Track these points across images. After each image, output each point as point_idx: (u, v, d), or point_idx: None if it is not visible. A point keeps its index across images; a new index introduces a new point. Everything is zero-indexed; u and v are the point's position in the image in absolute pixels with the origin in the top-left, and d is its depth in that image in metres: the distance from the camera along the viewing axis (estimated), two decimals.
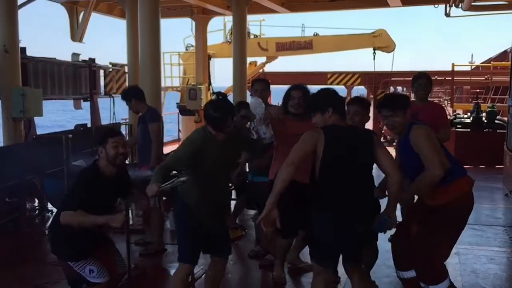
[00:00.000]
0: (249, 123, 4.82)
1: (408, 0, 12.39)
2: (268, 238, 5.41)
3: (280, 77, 17.25)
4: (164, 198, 5.99)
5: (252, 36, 16.35)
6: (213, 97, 4.02)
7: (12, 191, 7.11)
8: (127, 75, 11.80)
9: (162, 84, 11.21)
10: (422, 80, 5.39)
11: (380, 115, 4.02)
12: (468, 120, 12.84)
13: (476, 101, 13.82)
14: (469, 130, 12.32)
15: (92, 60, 10.95)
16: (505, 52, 20.57)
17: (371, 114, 4.69)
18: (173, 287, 4.09)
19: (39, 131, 9.88)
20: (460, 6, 11.20)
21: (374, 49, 16.15)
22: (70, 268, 3.77)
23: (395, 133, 3.99)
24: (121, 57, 17.29)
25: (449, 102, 17.96)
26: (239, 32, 11.69)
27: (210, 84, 14.91)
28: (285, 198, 3.45)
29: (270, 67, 18.10)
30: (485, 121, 12.45)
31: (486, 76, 17.60)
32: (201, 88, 13.83)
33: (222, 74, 16.88)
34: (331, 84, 17.29)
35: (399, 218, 3.99)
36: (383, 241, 4.62)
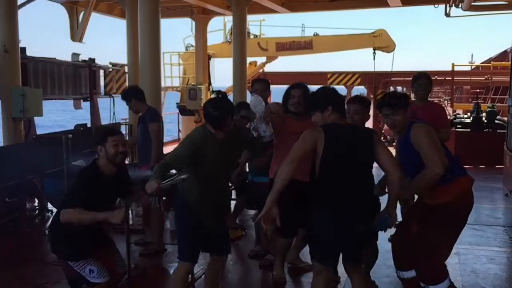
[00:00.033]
0: (249, 123, 4.82)
1: (408, 0, 12.40)
2: (268, 237, 5.42)
3: (280, 77, 17.24)
4: (164, 198, 5.99)
5: (252, 36, 16.35)
6: (213, 95, 4.01)
7: (12, 191, 7.11)
8: (127, 75, 11.80)
9: (162, 84, 11.22)
10: (422, 80, 5.39)
11: (380, 115, 4.03)
12: (468, 120, 12.84)
13: (476, 101, 13.82)
14: (469, 130, 12.32)
15: (92, 60, 10.96)
16: (505, 52, 20.57)
17: (371, 113, 4.69)
18: (173, 286, 4.09)
19: (39, 131, 9.88)
20: (460, 6, 11.20)
21: (374, 49, 16.16)
22: (70, 268, 3.77)
23: (396, 131, 3.99)
24: (121, 57, 17.31)
25: (449, 102, 17.96)
26: (239, 32, 11.70)
27: (210, 84, 14.92)
28: (285, 196, 3.44)
29: (270, 67, 18.12)
30: (485, 121, 12.45)
31: (486, 76, 17.60)
32: (201, 88, 13.83)
33: (222, 74, 16.88)
34: (331, 84, 17.29)
35: (399, 218, 3.99)
36: (383, 241, 4.63)
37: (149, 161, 5.45)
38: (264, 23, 16.60)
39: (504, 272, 5.36)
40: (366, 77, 17.78)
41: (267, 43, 16.82)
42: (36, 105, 8.16)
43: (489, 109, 12.69)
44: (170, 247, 5.81)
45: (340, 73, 18.35)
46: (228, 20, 15.20)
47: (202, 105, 3.96)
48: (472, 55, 23.82)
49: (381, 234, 4.38)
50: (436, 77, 14.70)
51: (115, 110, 10.53)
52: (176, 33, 18.51)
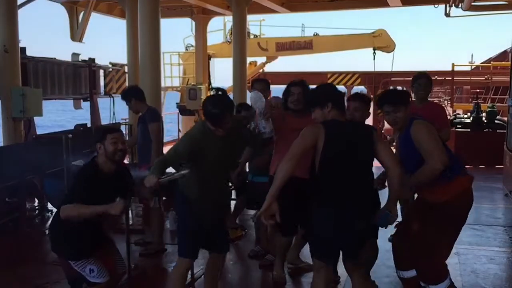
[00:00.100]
0: (249, 124, 4.82)
1: (408, 0, 12.40)
2: (268, 235, 5.43)
3: (280, 77, 17.25)
4: (164, 198, 5.99)
5: (252, 36, 16.36)
6: (212, 92, 4.00)
7: (12, 191, 7.11)
8: (127, 75, 11.80)
9: (162, 84, 11.22)
10: (422, 80, 5.40)
11: (380, 115, 4.04)
12: (468, 120, 12.84)
13: (476, 101, 13.82)
14: (469, 130, 12.32)
15: (92, 60, 10.95)
16: (505, 52, 20.57)
17: (370, 111, 4.69)
18: (172, 283, 4.09)
19: (39, 131, 9.87)
20: (460, 6, 11.20)
21: (374, 49, 16.18)
22: (70, 268, 3.77)
23: (397, 128, 3.99)
24: (121, 57, 17.31)
25: (449, 102, 17.97)
26: (239, 32, 11.69)
27: (210, 84, 14.91)
28: (285, 193, 3.44)
29: (270, 67, 18.13)
30: (485, 121, 12.45)
31: (486, 76, 17.62)
32: (201, 88, 13.83)
33: (222, 74, 16.87)
34: None
35: (399, 218, 3.98)
36: (383, 241, 4.63)
37: (149, 161, 5.44)
38: (264, 23, 16.63)
39: (504, 272, 5.36)
40: (366, 77, 17.80)
41: (267, 43, 16.83)
42: (36, 105, 8.16)
43: (489, 109, 12.70)
44: (170, 247, 5.81)
45: (340, 73, 18.37)
46: (228, 20, 15.20)
47: (202, 103, 3.93)
48: (472, 55, 23.83)
49: (381, 234, 4.38)
50: (436, 77, 14.72)
51: (115, 110, 10.52)
52: (176, 33, 18.51)
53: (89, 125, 9.83)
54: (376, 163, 3.65)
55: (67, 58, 10.64)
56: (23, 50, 8.64)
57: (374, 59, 16.31)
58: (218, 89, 4.03)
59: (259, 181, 5.28)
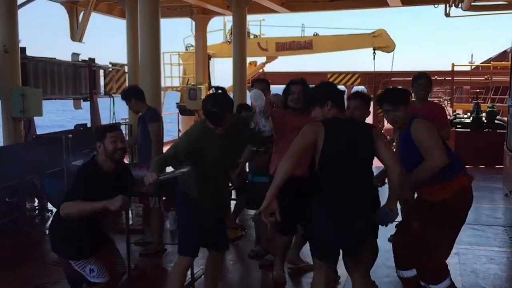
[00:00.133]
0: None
1: (408, 0, 12.40)
2: (268, 235, 5.43)
3: (280, 77, 17.23)
4: (164, 198, 5.99)
5: (252, 36, 16.37)
6: (212, 91, 4.00)
7: (12, 191, 7.11)
8: (127, 75, 11.80)
9: (162, 84, 11.22)
10: (422, 80, 5.39)
11: (380, 115, 4.04)
12: (468, 120, 12.84)
13: (476, 101, 13.82)
14: (469, 130, 12.32)
15: (92, 60, 10.96)
16: (505, 52, 20.58)
17: (370, 109, 4.70)
18: (172, 281, 4.10)
19: (39, 131, 9.88)
20: (460, 6, 11.21)
21: (374, 49, 16.19)
22: (70, 268, 3.77)
23: (397, 127, 3.99)
24: (121, 57, 17.32)
25: (449, 102, 17.97)
26: (239, 32, 11.69)
27: (210, 84, 14.92)
28: (284, 192, 3.44)
29: (270, 67, 18.14)
30: (485, 121, 12.45)
31: (486, 76, 17.62)
32: (201, 88, 13.83)
33: (222, 74, 16.88)
34: None
35: (399, 217, 3.98)
36: (383, 241, 4.62)
37: (149, 161, 5.43)
38: (264, 23, 16.64)
39: (504, 272, 5.36)
40: (366, 77, 17.81)
41: (267, 43, 16.83)
42: (36, 105, 8.16)
43: (489, 109, 12.70)
44: (170, 247, 5.81)
45: (340, 73, 18.37)
46: (228, 20, 15.20)
47: (202, 101, 3.92)
48: (472, 55, 23.83)
49: (381, 234, 4.38)
50: (436, 77, 14.72)
51: (115, 110, 10.53)
52: (176, 33, 18.51)
53: (89, 125, 9.84)
54: (375, 163, 3.65)
55: (67, 58, 10.65)
56: (23, 50, 8.64)
57: (374, 59, 16.33)
58: (217, 87, 4.03)
59: (259, 181, 5.28)
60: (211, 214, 3.95)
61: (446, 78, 16.82)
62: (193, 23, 14.69)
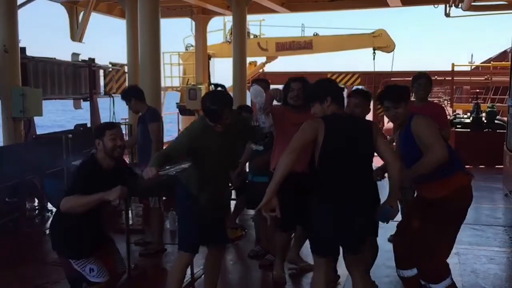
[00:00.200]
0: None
1: (408, 0, 12.40)
2: (268, 235, 5.42)
3: (280, 77, 17.19)
4: (164, 198, 5.99)
5: (252, 36, 16.37)
6: (212, 87, 3.99)
7: (12, 191, 7.11)
8: (127, 75, 11.81)
9: (162, 84, 11.23)
10: (422, 80, 5.39)
11: (380, 115, 4.05)
12: (468, 120, 12.84)
13: (476, 101, 13.82)
14: (469, 130, 12.32)
15: (92, 60, 10.96)
16: (505, 52, 20.57)
17: (370, 107, 4.70)
18: (171, 278, 4.10)
19: (39, 131, 9.88)
20: (460, 6, 11.21)
21: (374, 49, 16.19)
22: (70, 267, 3.76)
23: (397, 123, 3.99)
24: (121, 57, 17.32)
25: (449, 102, 17.97)
26: (239, 32, 11.70)
27: (210, 84, 14.91)
28: (284, 188, 3.44)
29: (270, 67, 18.13)
30: (485, 121, 12.45)
31: (486, 76, 17.61)
32: (201, 88, 13.83)
33: (222, 74, 16.90)
34: None
35: (398, 217, 3.98)
36: (383, 241, 4.62)
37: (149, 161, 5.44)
38: (264, 23, 16.65)
39: (504, 272, 5.36)
40: (366, 77, 17.80)
41: (267, 43, 16.83)
42: (36, 105, 8.17)
43: (489, 109, 12.70)
44: (170, 247, 5.81)
45: (340, 73, 18.36)
46: (228, 20, 15.21)
47: (201, 98, 3.91)
48: (472, 55, 23.86)
49: (381, 234, 4.39)
50: (436, 77, 14.71)
51: (115, 110, 10.54)
52: (176, 33, 18.51)
53: (89, 125, 9.84)
54: (376, 161, 3.65)
55: (67, 58, 10.66)
56: (23, 50, 8.64)
57: (374, 59, 16.34)
58: (217, 85, 4.02)
59: (259, 181, 5.27)
60: (211, 213, 3.95)
61: (446, 78, 16.82)
62: (193, 23, 14.70)
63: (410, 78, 5.67)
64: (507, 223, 7.10)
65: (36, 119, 9.38)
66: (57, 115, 43.30)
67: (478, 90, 18.63)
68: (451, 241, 3.96)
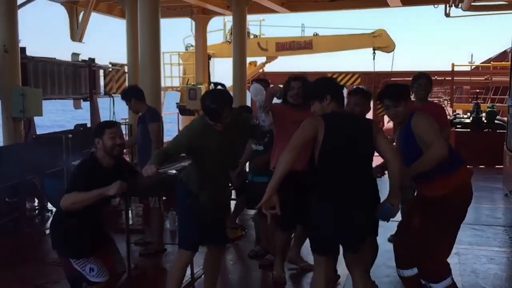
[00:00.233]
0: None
1: (408, 0, 12.40)
2: (268, 235, 5.42)
3: (280, 77, 17.19)
4: (164, 198, 5.99)
5: (252, 36, 16.37)
6: (212, 86, 4.00)
7: (12, 191, 7.11)
8: (127, 75, 11.81)
9: (162, 84, 11.23)
10: (422, 80, 5.40)
11: (380, 115, 4.05)
12: (468, 120, 12.85)
13: (476, 101, 13.82)
14: (469, 130, 12.32)
15: (92, 60, 10.97)
16: (505, 52, 20.57)
17: (371, 105, 4.69)
18: (171, 277, 4.10)
19: (39, 131, 9.89)
20: (460, 6, 11.21)
21: (374, 49, 16.19)
22: (70, 266, 3.76)
23: (397, 122, 3.99)
24: (121, 57, 17.31)
25: (449, 102, 17.97)
26: (239, 32, 11.70)
27: (210, 84, 14.92)
28: (284, 186, 3.44)
29: (270, 67, 18.13)
30: (485, 121, 12.46)
31: (486, 76, 17.61)
32: (201, 88, 13.83)
33: (222, 74, 16.89)
34: None
35: (398, 217, 3.98)
36: (383, 241, 4.62)
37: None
38: (264, 23, 16.65)
39: (504, 272, 5.36)
40: (366, 77, 17.80)
41: (267, 43, 16.83)
42: (36, 105, 8.17)
43: (489, 109, 12.70)
44: (170, 247, 5.81)
45: (340, 73, 18.36)
46: (228, 20, 15.21)
47: (201, 97, 3.91)
48: (472, 55, 23.79)
49: (381, 234, 4.39)
50: (436, 77, 14.71)
51: (115, 110, 10.54)
52: (176, 33, 18.52)
53: (89, 125, 9.84)
54: (375, 161, 3.65)
55: (67, 58, 10.66)
56: (23, 50, 8.65)
57: (374, 59, 16.35)
58: (217, 83, 4.02)
59: (259, 181, 5.27)
60: (211, 212, 3.94)
61: (446, 78, 16.81)
62: (193, 23, 14.70)
63: (410, 78, 5.67)
64: (507, 223, 7.09)
65: (36, 119, 9.38)
66: (57, 115, 43.31)
67: (478, 90, 18.62)
68: (451, 241, 3.96)
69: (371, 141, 3.49)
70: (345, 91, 3.98)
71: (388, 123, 15.05)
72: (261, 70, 17.72)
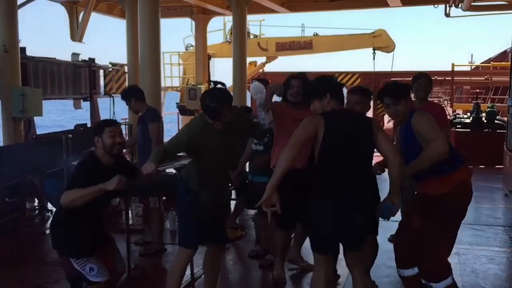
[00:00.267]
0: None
1: (408, 0, 12.41)
2: (268, 235, 5.42)
3: (280, 77, 17.17)
4: (164, 198, 5.99)
5: (252, 36, 16.37)
6: (212, 85, 3.98)
7: (12, 191, 7.11)
8: (127, 75, 11.81)
9: (162, 84, 11.23)
10: (422, 80, 5.40)
11: (380, 115, 4.05)
12: (468, 120, 12.84)
13: (476, 101, 13.82)
14: (469, 130, 12.32)
15: (92, 60, 10.97)
16: (505, 52, 20.57)
17: (371, 104, 4.70)
18: (171, 276, 4.10)
19: (39, 131, 9.88)
20: (460, 6, 11.22)
21: (374, 49, 16.19)
22: (70, 266, 3.76)
23: (398, 121, 4.00)
24: (121, 57, 17.31)
25: (449, 102, 17.97)
26: (239, 32, 11.71)
27: (210, 84, 14.89)
28: (284, 185, 3.43)
29: (270, 67, 18.13)
30: (485, 121, 12.45)
31: (486, 76, 17.60)
32: (201, 88, 13.83)
33: (222, 74, 16.90)
34: None
35: (399, 217, 3.99)
36: (383, 241, 4.62)
37: None
38: (264, 23, 16.65)
39: (504, 272, 5.36)
40: (366, 77, 17.78)
41: (267, 43, 16.84)
42: (36, 105, 8.17)
43: (489, 109, 12.69)
44: (170, 247, 5.81)
45: (340, 73, 18.36)
46: (228, 20, 15.21)
47: (200, 96, 3.91)
48: (472, 55, 23.78)
49: (381, 233, 4.39)
50: (436, 77, 14.71)
51: (115, 110, 10.54)
52: (176, 33, 18.52)
53: (89, 125, 9.84)
54: (375, 160, 3.64)
55: (67, 58, 10.66)
56: (23, 50, 8.65)
57: (374, 59, 16.35)
58: (216, 82, 4.01)
59: (259, 181, 5.27)
60: (211, 211, 3.94)
61: (446, 78, 16.81)
62: (193, 23, 14.71)
63: (410, 78, 5.68)
64: (507, 223, 7.09)
65: (36, 119, 9.38)
66: (57, 115, 43.31)
67: (478, 90, 18.62)
68: (451, 240, 3.97)
69: (371, 138, 3.49)
70: (345, 90, 3.98)
71: (388, 123, 15.05)
72: (261, 70, 17.72)
